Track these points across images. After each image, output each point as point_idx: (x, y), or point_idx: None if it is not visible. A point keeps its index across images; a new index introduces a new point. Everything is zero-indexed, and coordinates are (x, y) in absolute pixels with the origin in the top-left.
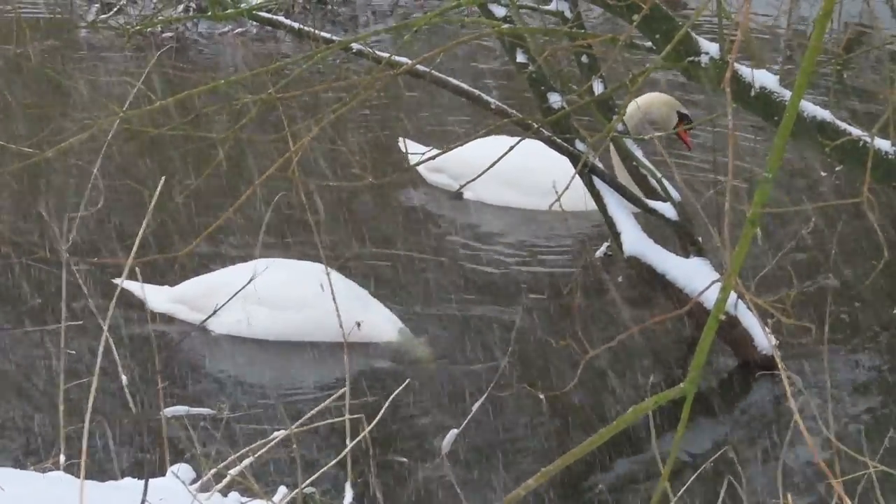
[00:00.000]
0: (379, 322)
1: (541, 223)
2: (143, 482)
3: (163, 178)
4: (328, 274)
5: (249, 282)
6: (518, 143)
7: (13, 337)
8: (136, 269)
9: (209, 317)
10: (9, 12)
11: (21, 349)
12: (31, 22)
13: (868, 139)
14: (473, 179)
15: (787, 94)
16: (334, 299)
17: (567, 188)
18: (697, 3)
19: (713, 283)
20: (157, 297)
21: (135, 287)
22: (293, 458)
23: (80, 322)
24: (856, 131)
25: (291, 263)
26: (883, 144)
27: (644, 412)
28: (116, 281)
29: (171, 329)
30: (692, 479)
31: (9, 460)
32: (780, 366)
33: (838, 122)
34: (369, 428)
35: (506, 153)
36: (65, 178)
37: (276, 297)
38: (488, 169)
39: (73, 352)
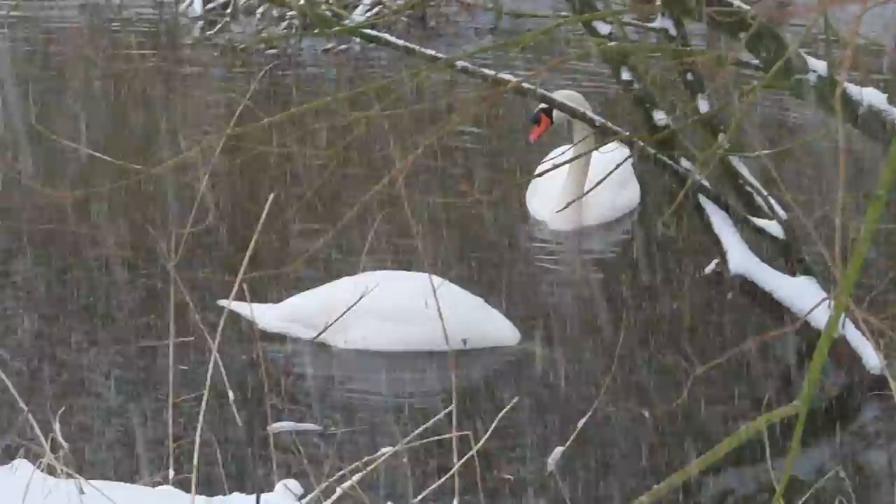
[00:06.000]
0: (498, 329)
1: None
2: (251, 497)
3: (272, 194)
4: (444, 285)
5: (361, 297)
6: (627, 158)
7: (123, 353)
8: (244, 286)
9: (320, 333)
10: (116, 31)
11: (130, 365)
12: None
13: None
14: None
15: None
16: (453, 311)
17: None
18: (806, 19)
19: (822, 301)
20: (265, 316)
21: (242, 307)
22: (401, 473)
23: (191, 338)
24: None
25: (402, 275)
26: None
27: (756, 430)
28: (222, 302)
29: (279, 345)
30: (804, 499)
31: (119, 474)
32: (891, 385)
33: None
34: (477, 447)
35: (615, 168)
36: (173, 194)
37: (394, 310)
38: (600, 182)
39: (186, 367)
